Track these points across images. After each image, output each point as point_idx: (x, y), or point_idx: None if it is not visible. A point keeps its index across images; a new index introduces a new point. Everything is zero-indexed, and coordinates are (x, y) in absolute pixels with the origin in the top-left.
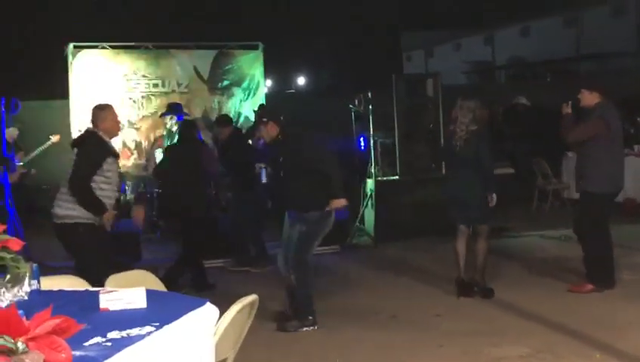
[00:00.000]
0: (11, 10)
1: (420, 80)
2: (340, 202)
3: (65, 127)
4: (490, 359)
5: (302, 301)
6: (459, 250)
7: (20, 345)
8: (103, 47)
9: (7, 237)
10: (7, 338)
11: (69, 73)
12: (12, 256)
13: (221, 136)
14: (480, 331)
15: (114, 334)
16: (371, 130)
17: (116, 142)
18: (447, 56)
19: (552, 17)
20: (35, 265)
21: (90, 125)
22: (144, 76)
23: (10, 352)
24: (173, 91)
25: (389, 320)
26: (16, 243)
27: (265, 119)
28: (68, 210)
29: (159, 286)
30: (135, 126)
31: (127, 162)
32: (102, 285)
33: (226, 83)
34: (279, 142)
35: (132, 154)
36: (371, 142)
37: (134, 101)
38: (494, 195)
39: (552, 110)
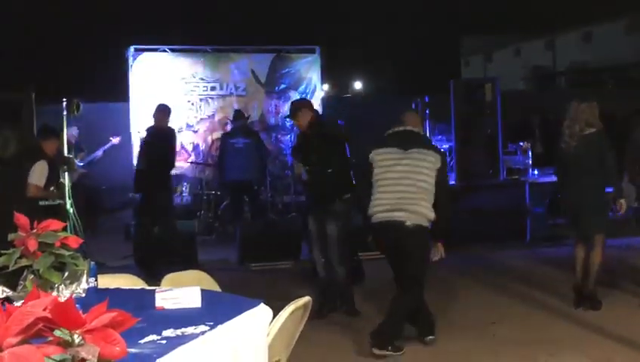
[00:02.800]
0: (73, 12)
1: (478, 85)
2: None
3: (124, 129)
4: None
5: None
6: (577, 255)
7: (76, 338)
8: (163, 51)
9: (66, 234)
10: (63, 330)
11: (129, 75)
12: (71, 253)
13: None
14: (536, 339)
15: (169, 332)
16: (427, 134)
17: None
18: (506, 62)
19: (615, 22)
20: (92, 262)
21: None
22: (202, 79)
23: (67, 344)
24: (231, 94)
25: (443, 327)
26: (74, 241)
27: (299, 106)
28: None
29: (214, 286)
30: (193, 128)
31: (184, 164)
32: None
33: (282, 86)
34: (313, 134)
35: (190, 156)
36: None
37: (192, 104)
38: (623, 201)
39: (614, 118)
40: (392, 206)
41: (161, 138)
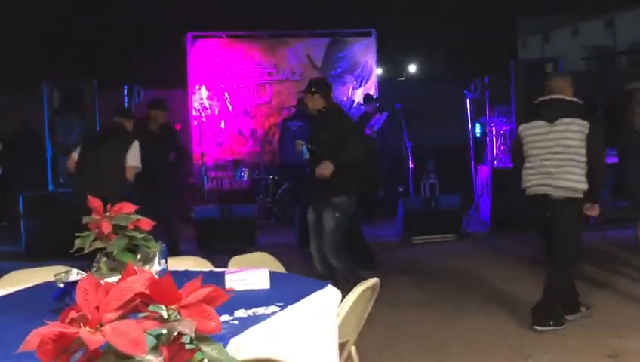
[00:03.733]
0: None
1: (539, 65)
2: None
3: (183, 115)
4: (615, 350)
5: None
6: None
7: (173, 313)
8: (220, 36)
9: (138, 217)
10: (159, 306)
11: (187, 62)
12: (143, 235)
13: None
14: (602, 322)
15: (241, 313)
16: (488, 116)
17: (233, 130)
18: (564, 42)
19: None
20: (163, 245)
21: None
22: (258, 65)
23: (163, 319)
24: (287, 79)
25: (504, 308)
26: (147, 224)
27: (314, 89)
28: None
29: (279, 267)
30: (250, 114)
31: (242, 149)
32: None
33: (338, 70)
34: (322, 119)
35: (247, 141)
36: (487, 128)
37: (249, 89)
38: None
39: None
40: (539, 181)
41: (163, 137)
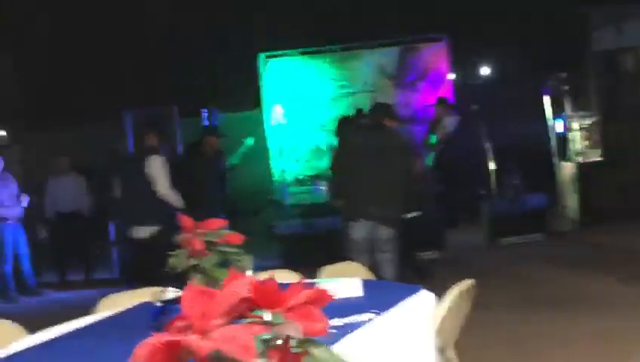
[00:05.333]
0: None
1: (614, 56)
2: None
3: (258, 135)
4: None
5: None
6: None
7: (278, 317)
8: (292, 55)
9: (228, 232)
10: (265, 310)
11: (261, 83)
12: (234, 249)
13: None
14: None
15: (336, 321)
16: (567, 111)
17: (308, 145)
18: (637, 31)
19: None
20: (252, 258)
21: None
22: (332, 79)
23: (270, 323)
24: (361, 91)
25: (601, 306)
26: (237, 238)
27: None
28: None
29: (369, 275)
30: (327, 128)
31: (322, 163)
32: None
33: (411, 78)
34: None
35: (325, 155)
36: (567, 124)
37: (324, 104)
38: None
39: None
40: None
41: (215, 162)
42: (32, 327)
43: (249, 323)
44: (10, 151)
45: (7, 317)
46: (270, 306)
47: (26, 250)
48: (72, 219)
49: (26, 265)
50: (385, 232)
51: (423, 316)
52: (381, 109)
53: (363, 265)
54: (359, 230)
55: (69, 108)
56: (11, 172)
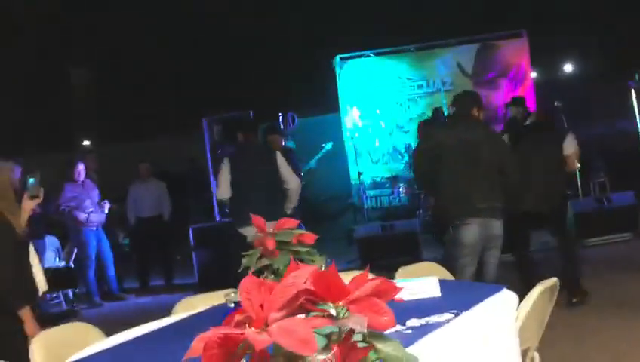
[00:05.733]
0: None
1: None
2: None
3: (337, 136)
4: None
5: None
6: None
7: (341, 309)
8: (368, 56)
9: (301, 231)
10: (327, 303)
11: (337, 85)
12: (307, 249)
13: None
14: None
15: (413, 322)
16: None
17: (387, 146)
18: None
19: None
20: (327, 259)
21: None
22: (408, 79)
23: (332, 316)
24: (438, 91)
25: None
26: (310, 238)
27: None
28: None
29: (447, 275)
30: (404, 129)
31: (399, 165)
32: None
33: (490, 75)
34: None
35: (402, 157)
36: None
37: (400, 105)
38: None
39: None
40: None
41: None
42: (113, 331)
43: (309, 316)
44: (92, 159)
45: (90, 322)
46: (332, 298)
47: (109, 255)
48: (153, 224)
49: (110, 271)
50: (497, 225)
51: (505, 316)
52: (468, 99)
53: (472, 268)
54: (470, 231)
55: (146, 118)
56: (93, 179)
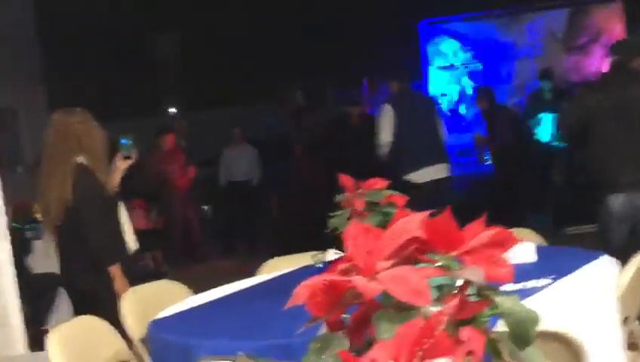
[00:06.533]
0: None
1: None
2: None
3: None
4: None
5: None
6: None
7: (454, 260)
8: (455, 20)
9: (391, 192)
10: (440, 253)
11: (422, 51)
12: (396, 211)
13: None
14: None
15: (509, 287)
16: None
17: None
18: None
19: None
20: None
21: None
22: (496, 44)
23: (446, 267)
24: (528, 56)
25: None
26: (400, 199)
27: None
28: None
29: (542, 242)
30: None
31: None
32: None
33: (582, 40)
34: None
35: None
36: None
37: (488, 70)
38: None
39: None
40: None
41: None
42: (201, 291)
43: (421, 266)
44: (181, 126)
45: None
46: (445, 248)
47: (194, 218)
48: (244, 189)
49: (195, 234)
50: None
51: (604, 283)
52: (628, 46)
53: (622, 239)
54: (617, 202)
55: (231, 86)
56: (181, 146)
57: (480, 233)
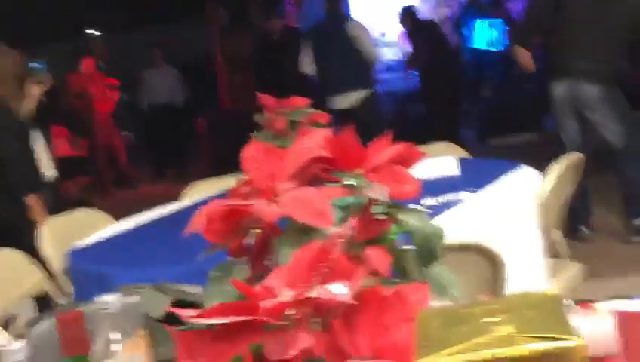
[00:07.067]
0: None
1: None
2: None
3: None
4: None
5: None
6: None
7: (360, 179)
8: None
9: (314, 110)
10: (345, 172)
11: None
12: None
13: None
14: None
15: (429, 201)
16: None
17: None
18: None
19: None
20: None
21: None
22: None
23: (350, 186)
24: None
25: None
26: (323, 117)
27: None
28: None
29: (465, 155)
30: None
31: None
32: None
33: None
34: None
35: None
36: None
37: None
38: None
39: None
40: None
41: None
42: (124, 218)
43: (324, 185)
44: (100, 49)
45: (103, 209)
46: (350, 166)
47: (119, 143)
48: (167, 112)
49: (121, 158)
50: (588, 88)
51: (524, 193)
52: None
53: (572, 127)
54: (559, 89)
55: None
56: (101, 69)
57: (385, 149)
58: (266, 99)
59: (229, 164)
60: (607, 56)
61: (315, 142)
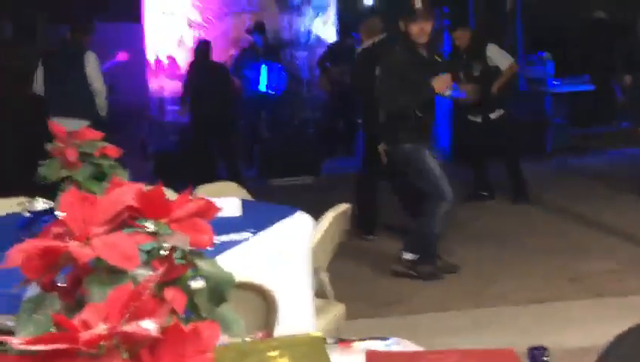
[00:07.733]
0: None
1: None
2: None
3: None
4: (576, 273)
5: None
6: None
7: (164, 227)
8: None
9: (104, 144)
10: (150, 220)
11: None
12: (110, 163)
13: None
14: (566, 248)
15: (214, 238)
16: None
17: None
18: None
19: None
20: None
21: None
22: None
23: (155, 233)
24: (243, 10)
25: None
26: (113, 151)
27: None
28: None
29: (247, 196)
30: None
31: None
32: None
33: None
34: None
35: None
36: None
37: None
38: None
39: None
40: None
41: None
42: None
43: (132, 232)
44: None
45: None
46: (156, 216)
47: None
48: None
49: None
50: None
51: (299, 237)
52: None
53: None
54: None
55: None
56: None
57: (187, 203)
58: (57, 128)
59: (10, 185)
60: None
61: (126, 194)
